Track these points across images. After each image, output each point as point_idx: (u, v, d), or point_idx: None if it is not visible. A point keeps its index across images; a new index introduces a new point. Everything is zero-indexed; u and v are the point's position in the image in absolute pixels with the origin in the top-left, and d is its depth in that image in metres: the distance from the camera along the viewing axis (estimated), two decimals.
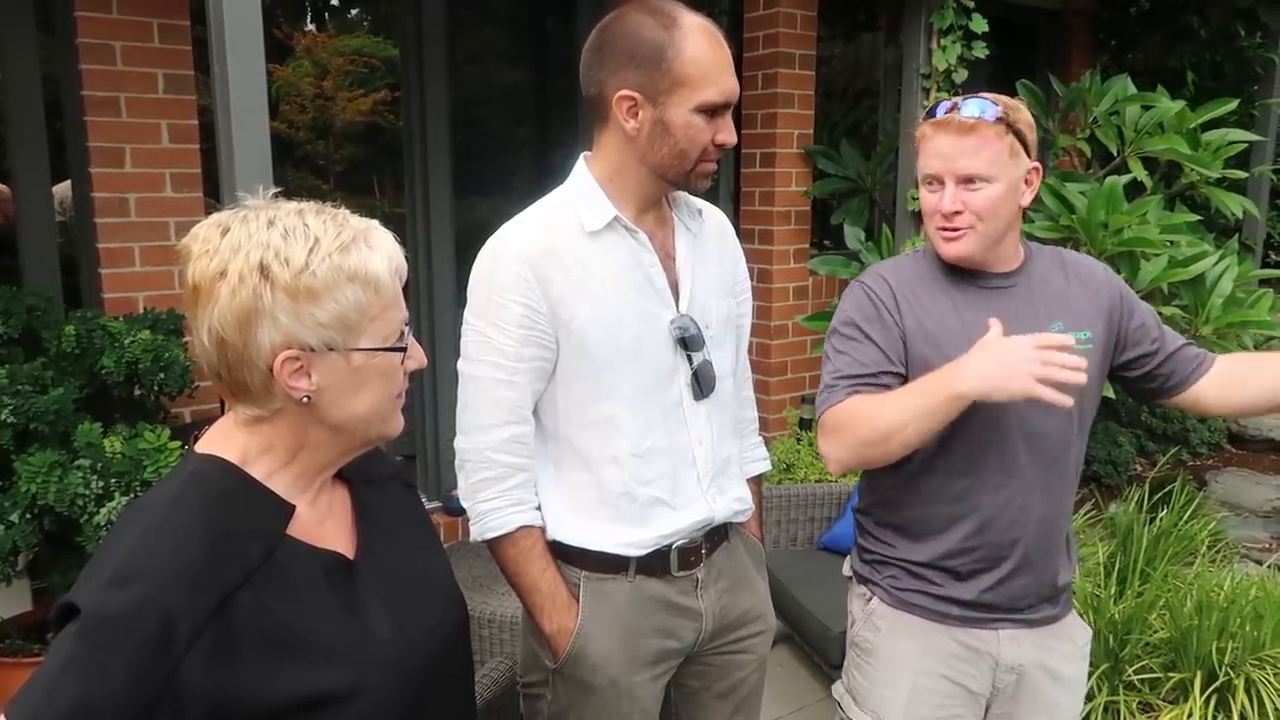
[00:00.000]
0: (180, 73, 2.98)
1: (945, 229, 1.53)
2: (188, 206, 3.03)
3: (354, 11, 5.19)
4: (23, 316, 2.55)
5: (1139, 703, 2.58)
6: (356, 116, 4.95)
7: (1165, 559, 3.04)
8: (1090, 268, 1.65)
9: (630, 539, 1.48)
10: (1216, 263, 3.54)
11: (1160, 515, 3.29)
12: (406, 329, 1.01)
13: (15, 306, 2.55)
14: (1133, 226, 3.39)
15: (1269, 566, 3.32)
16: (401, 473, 1.22)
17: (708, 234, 1.59)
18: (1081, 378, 1.33)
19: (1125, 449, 4.61)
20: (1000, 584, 1.57)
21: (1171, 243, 3.51)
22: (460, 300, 1.51)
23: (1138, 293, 3.34)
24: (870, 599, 1.67)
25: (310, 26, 4.94)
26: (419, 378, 3.65)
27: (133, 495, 2.23)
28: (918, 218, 3.72)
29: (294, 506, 0.98)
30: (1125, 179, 3.59)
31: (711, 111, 1.40)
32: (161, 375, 2.49)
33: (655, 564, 1.51)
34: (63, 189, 3.08)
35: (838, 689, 1.72)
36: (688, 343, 1.48)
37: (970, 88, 3.65)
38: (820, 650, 2.83)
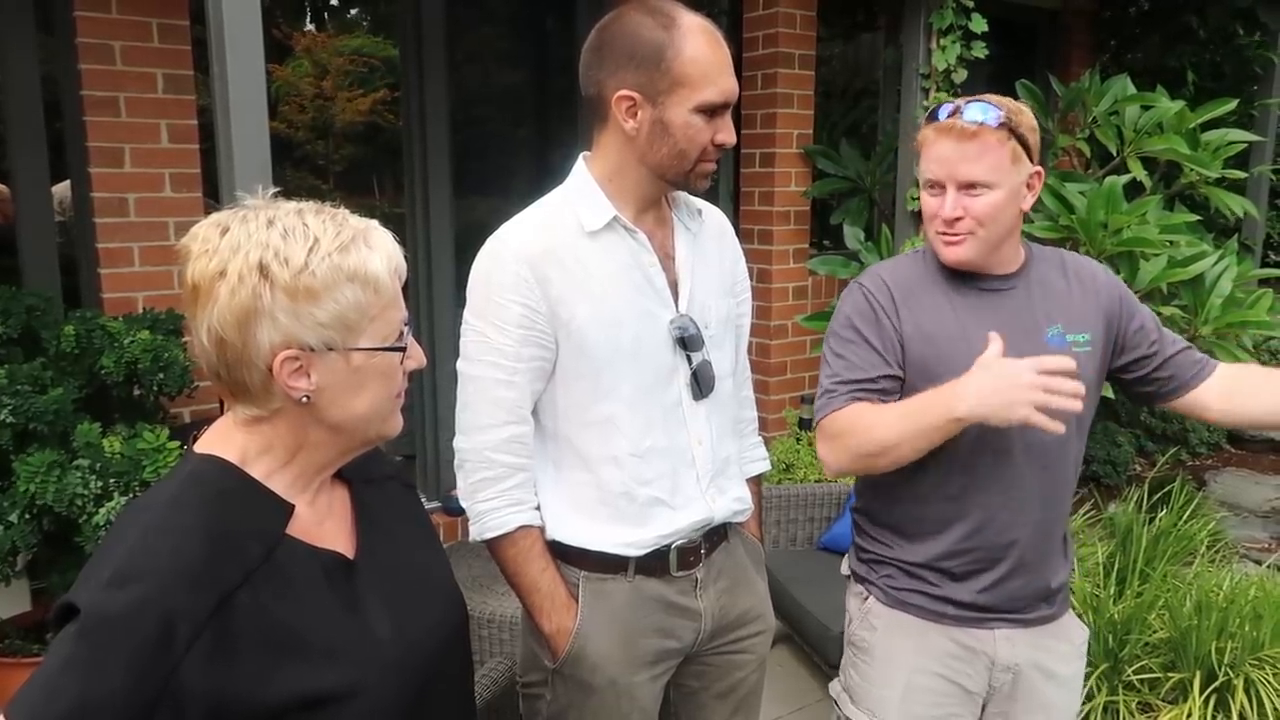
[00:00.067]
0: (179, 73, 2.98)
1: (945, 234, 1.53)
2: (187, 206, 3.03)
3: (353, 11, 5.19)
4: (22, 316, 2.55)
5: (1138, 703, 2.58)
6: (356, 116, 4.95)
7: (1164, 559, 3.04)
8: (1091, 269, 1.65)
9: (629, 539, 1.48)
10: (1216, 263, 3.54)
11: (1159, 515, 3.29)
12: (406, 329, 1.01)
13: (14, 306, 2.55)
14: (1132, 226, 3.39)
15: (1268, 566, 3.32)
16: (401, 472, 1.22)
17: (707, 234, 1.59)
18: (1078, 405, 1.33)
19: (1125, 449, 4.61)
20: (996, 585, 1.57)
21: (1171, 243, 3.51)
22: (459, 300, 1.51)
23: (1137, 293, 3.35)
24: (867, 598, 1.67)
25: (310, 26, 4.94)
26: (418, 378, 3.65)
27: (132, 495, 2.23)
28: (917, 218, 3.72)
29: (293, 506, 0.98)
30: (1125, 179, 3.59)
31: (711, 111, 1.40)
32: (161, 375, 2.49)
33: (654, 564, 1.51)
34: (62, 189, 3.08)
35: (834, 687, 1.72)
36: (687, 343, 1.48)
37: (969, 88, 3.65)
38: (820, 650, 2.83)
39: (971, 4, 3.77)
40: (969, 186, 1.48)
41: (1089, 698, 2.53)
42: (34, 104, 2.90)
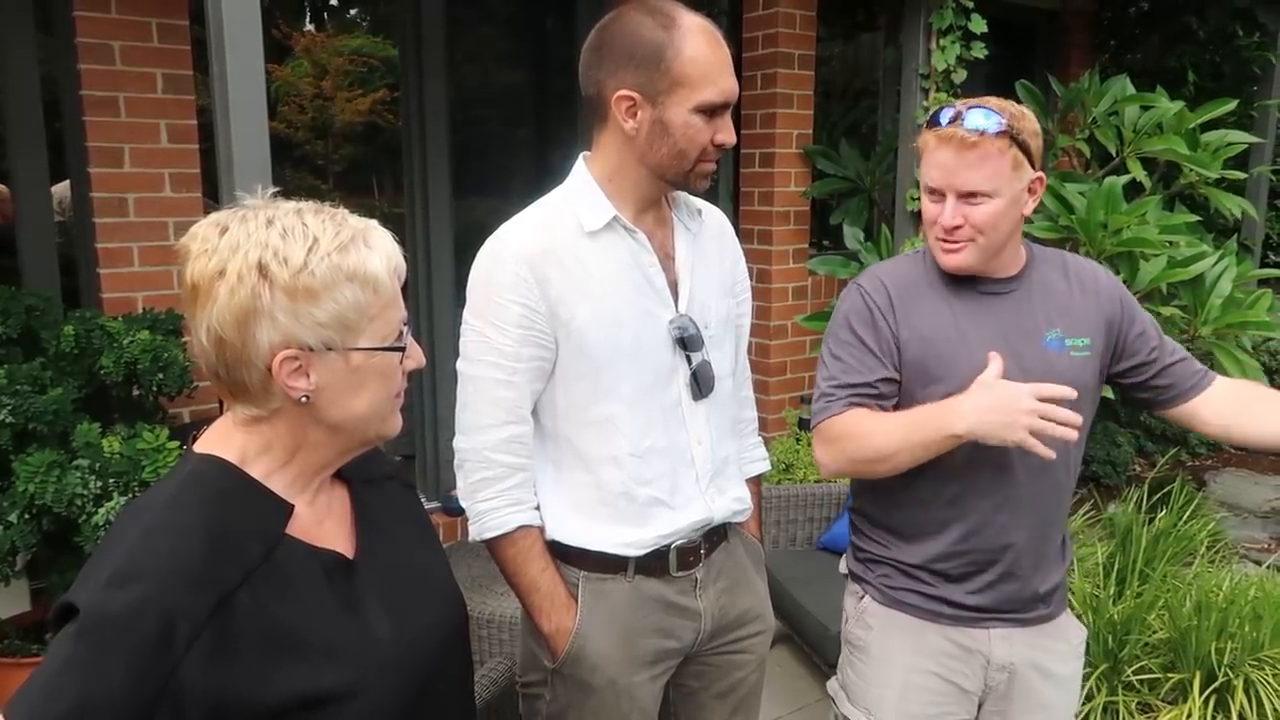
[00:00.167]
0: (179, 72, 2.98)
1: (945, 241, 1.53)
2: (187, 206, 3.03)
3: (353, 11, 5.19)
4: (21, 316, 2.55)
5: (1138, 703, 2.58)
6: (355, 116, 4.95)
7: (1164, 559, 3.04)
8: (1093, 272, 1.65)
9: (629, 539, 1.48)
10: (1215, 263, 3.54)
11: (1159, 515, 3.29)
12: (405, 329, 1.01)
13: (14, 306, 2.54)
14: (1132, 227, 3.39)
15: (1268, 567, 3.32)
16: (400, 472, 1.22)
17: (707, 234, 1.59)
18: (1073, 434, 1.35)
19: (1124, 449, 4.61)
20: (991, 587, 1.57)
21: (1170, 243, 3.51)
22: (459, 300, 1.51)
23: (1137, 293, 3.36)
24: (863, 597, 1.68)
25: (309, 26, 4.94)
26: (418, 378, 3.65)
27: (131, 495, 2.23)
28: (917, 218, 3.72)
29: (293, 506, 0.98)
30: (1124, 179, 3.59)
31: (711, 111, 1.40)
32: (160, 375, 2.49)
33: (654, 564, 1.51)
34: (61, 189, 3.08)
35: (832, 685, 1.73)
36: (687, 343, 1.48)
37: (969, 88, 3.66)
38: (819, 650, 2.83)
39: (971, 4, 3.77)
40: (969, 195, 1.48)
41: (1089, 698, 2.53)
42: (33, 104, 2.90)
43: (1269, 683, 2.49)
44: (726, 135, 1.43)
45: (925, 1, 3.79)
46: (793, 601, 2.93)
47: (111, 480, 2.24)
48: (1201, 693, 2.49)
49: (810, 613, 2.85)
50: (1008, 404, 1.35)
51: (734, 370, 1.64)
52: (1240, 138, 3.95)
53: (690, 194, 1.55)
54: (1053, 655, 1.64)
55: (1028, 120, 1.50)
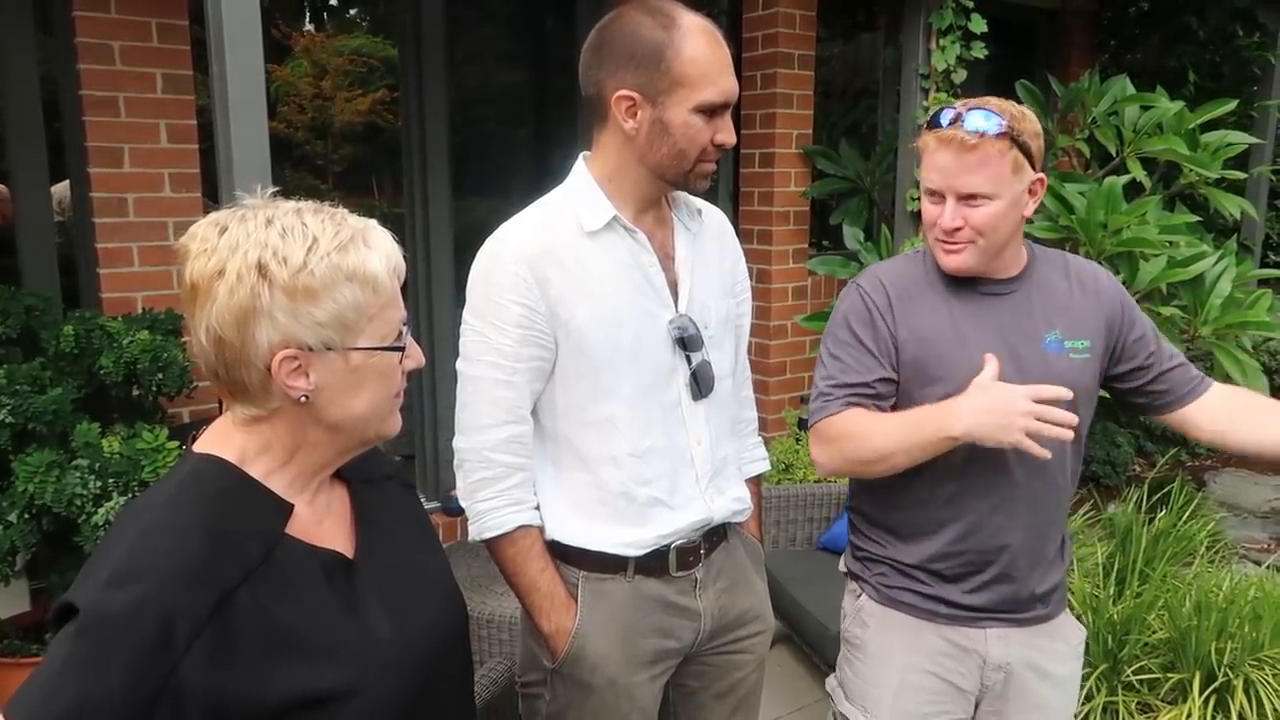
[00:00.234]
0: (179, 72, 2.98)
1: (945, 243, 1.53)
2: (186, 206, 3.03)
3: (352, 11, 5.19)
4: (21, 316, 2.55)
5: (1138, 703, 2.58)
6: (355, 116, 4.95)
7: (1164, 559, 3.04)
8: (1095, 274, 1.64)
9: (629, 539, 1.48)
10: (1215, 263, 3.54)
11: (1159, 516, 3.29)
12: (405, 328, 1.01)
13: (14, 306, 2.55)
14: (1132, 227, 3.39)
15: (1268, 567, 3.32)
16: (400, 472, 1.22)
17: (707, 234, 1.59)
18: (1069, 435, 1.36)
19: (1124, 449, 4.61)
20: (986, 587, 1.58)
21: (1170, 243, 3.51)
22: (459, 300, 1.51)
23: (1137, 293, 3.36)
24: (860, 595, 1.68)
25: (309, 26, 4.95)
26: (417, 378, 3.65)
27: (131, 495, 2.23)
28: (917, 218, 3.72)
29: (292, 506, 0.98)
30: (1124, 179, 3.59)
31: (711, 111, 1.39)
32: (160, 375, 2.49)
33: (654, 564, 1.50)
34: (61, 189, 3.08)
35: (830, 682, 1.74)
36: (686, 343, 1.48)
37: (969, 88, 3.66)
38: (819, 650, 2.83)
39: (971, 4, 3.77)
40: (969, 197, 1.48)
41: (1088, 698, 2.53)
42: (33, 104, 2.89)
43: (1269, 683, 2.49)
44: (726, 135, 1.43)
45: (925, 1, 3.79)
46: (792, 601, 2.94)
47: (111, 480, 2.24)
48: (1201, 693, 2.49)
49: (810, 613, 2.85)
50: (1004, 406, 1.36)
51: (734, 370, 1.64)
52: (1240, 138, 3.95)
53: (690, 194, 1.55)
54: (1050, 655, 1.64)
55: (1028, 121, 1.49)
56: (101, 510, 2.21)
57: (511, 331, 1.41)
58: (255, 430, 0.97)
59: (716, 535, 1.59)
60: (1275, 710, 2.44)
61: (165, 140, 2.98)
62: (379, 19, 4.99)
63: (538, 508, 1.49)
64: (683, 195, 1.55)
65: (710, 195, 1.63)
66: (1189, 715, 2.45)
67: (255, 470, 0.97)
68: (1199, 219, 3.89)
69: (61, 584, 2.38)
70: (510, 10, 4.40)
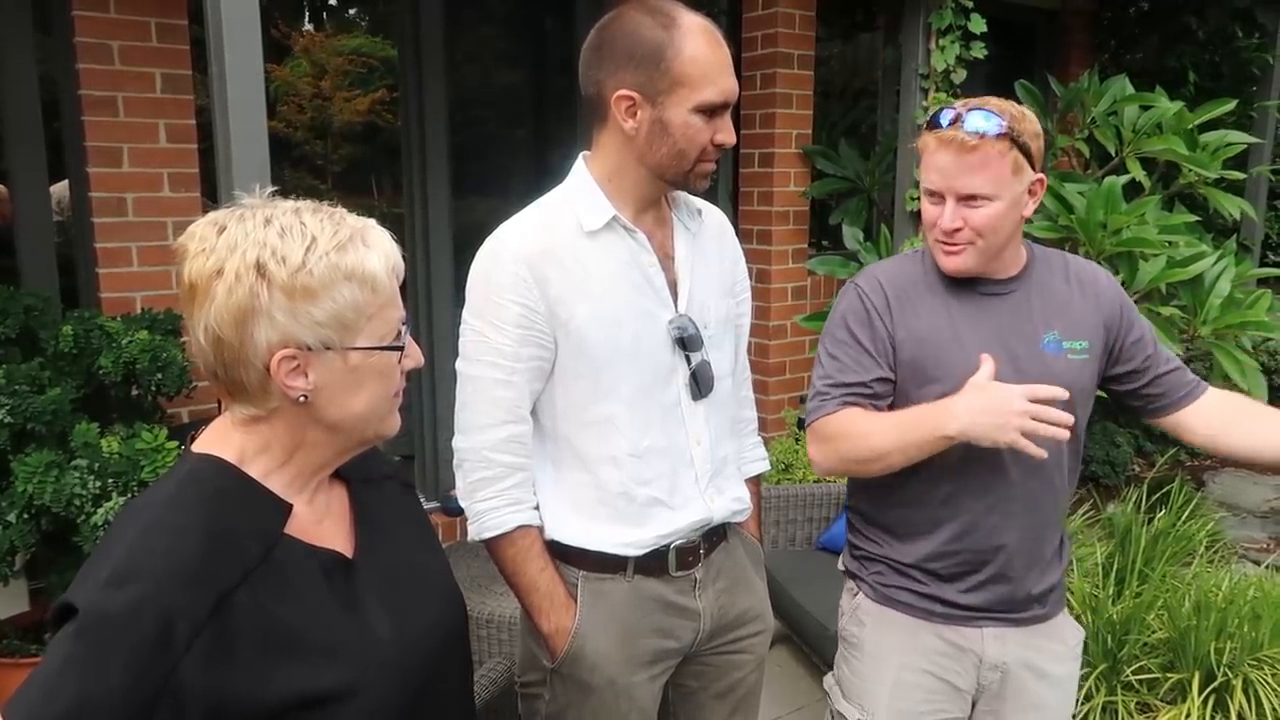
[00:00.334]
0: (178, 72, 2.98)
1: (945, 244, 1.53)
2: (185, 206, 3.02)
3: (352, 11, 5.19)
4: (20, 316, 2.55)
5: (1137, 703, 2.58)
6: (354, 116, 4.95)
7: (1163, 559, 3.04)
8: (1094, 275, 1.64)
9: (628, 539, 1.48)
10: (1215, 263, 3.54)
11: (1158, 515, 3.28)
12: (404, 328, 1.01)
13: (13, 306, 2.54)
14: (1131, 227, 3.39)
15: (1267, 567, 3.32)
16: (400, 472, 1.22)
17: (707, 233, 1.59)
18: (1065, 434, 1.36)
19: (1123, 449, 4.61)
20: (983, 586, 1.58)
21: (1170, 243, 3.52)
22: (458, 300, 1.50)
23: (1136, 293, 3.36)
24: (857, 594, 1.69)
25: (308, 26, 4.94)
26: (417, 378, 3.65)
27: (130, 495, 2.23)
28: (916, 218, 3.72)
29: (291, 505, 0.98)
30: (1124, 179, 3.59)
31: (710, 111, 1.39)
32: (159, 375, 2.49)
33: (653, 564, 1.50)
34: (60, 189, 3.08)
35: (828, 680, 1.74)
36: (686, 343, 1.48)
37: (968, 88, 3.66)
38: (818, 650, 2.83)
39: (970, 4, 3.76)
40: (969, 198, 1.48)
41: (1088, 698, 2.53)
42: (32, 104, 2.89)
43: (1268, 682, 2.49)
44: (726, 135, 1.42)
45: (925, 1, 3.79)
46: (792, 601, 2.94)
47: (110, 480, 2.24)
48: (1200, 692, 2.49)
49: (809, 613, 2.85)
50: (999, 405, 1.36)
51: (733, 370, 1.64)
52: (1239, 137, 3.95)
53: (690, 194, 1.55)
54: (1047, 655, 1.64)
55: (1028, 121, 1.49)
56: (101, 510, 2.20)
57: (511, 331, 1.41)
58: (254, 430, 0.97)
59: (716, 535, 1.59)
60: (1275, 710, 2.44)
61: (164, 140, 2.98)
62: (378, 19, 4.99)
63: (537, 507, 1.48)
64: (682, 195, 1.55)
65: (710, 195, 1.63)
66: (1188, 715, 2.45)
67: (254, 470, 0.97)
68: (1198, 219, 3.89)
69: (61, 584, 2.38)
70: (509, 10, 4.40)
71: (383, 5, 4.90)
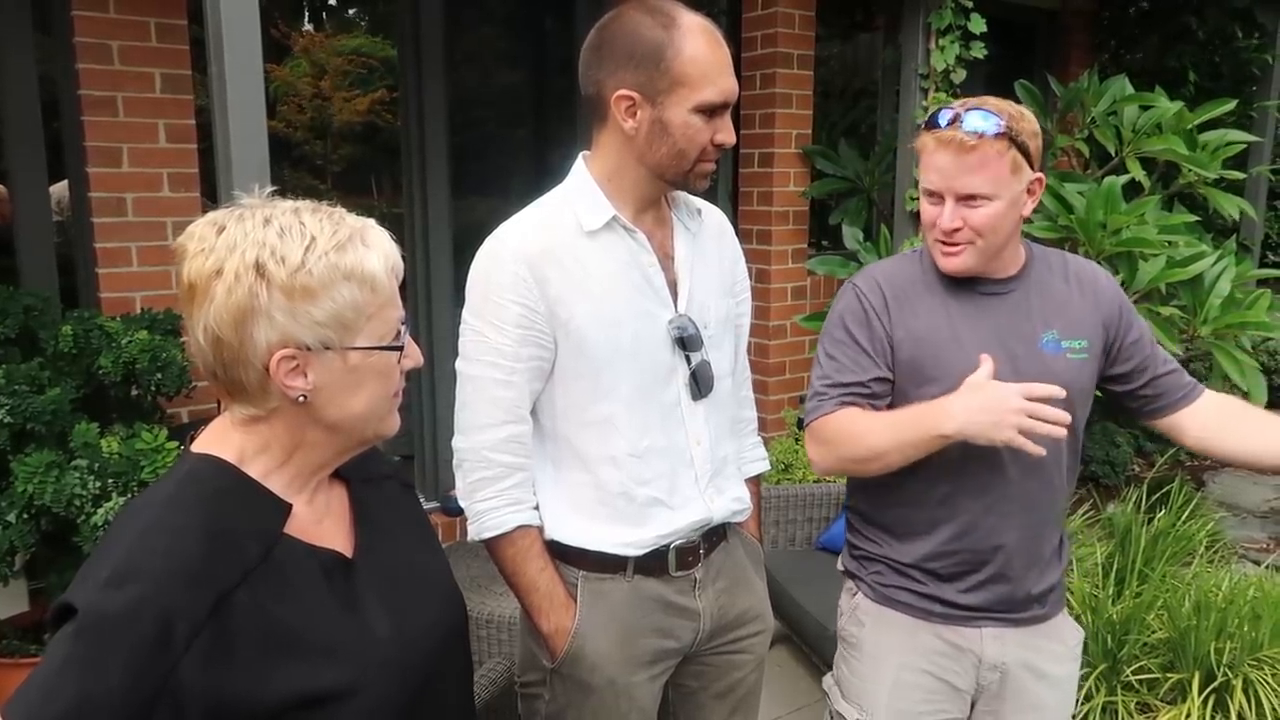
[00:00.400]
0: (178, 72, 2.98)
1: (944, 244, 1.53)
2: (185, 206, 3.02)
3: (351, 11, 5.19)
4: (20, 316, 2.55)
5: (1137, 703, 2.57)
6: (354, 116, 4.95)
7: (1163, 559, 3.04)
8: (1094, 275, 1.64)
9: (628, 539, 1.48)
10: (1215, 263, 3.54)
11: (1158, 515, 3.28)
12: (403, 328, 1.01)
13: (12, 306, 2.54)
14: (1131, 227, 3.39)
15: (1267, 567, 3.32)
16: (399, 472, 1.21)
17: (707, 233, 1.59)
18: (1062, 433, 1.36)
19: (1123, 449, 4.61)
20: (982, 586, 1.58)
21: (1170, 243, 3.51)
22: (458, 300, 1.50)
23: (1136, 293, 3.36)
24: (856, 594, 1.69)
25: (308, 26, 4.94)
26: (417, 378, 3.65)
27: (130, 496, 2.23)
28: (916, 218, 3.71)
29: (291, 505, 0.98)
30: (1123, 179, 3.59)
31: (710, 111, 1.39)
32: (159, 375, 2.49)
33: (653, 564, 1.50)
34: (60, 189, 3.08)
35: (828, 680, 1.74)
36: (686, 342, 1.48)
37: (968, 88, 3.66)
38: (818, 650, 2.83)
39: (970, 4, 3.76)
40: (968, 198, 1.48)
41: (1088, 698, 2.53)
42: (31, 104, 2.89)
43: (1268, 682, 2.49)
44: (726, 135, 1.42)
45: (925, 1, 3.79)
46: (791, 601, 2.93)
47: (110, 480, 2.24)
48: (1200, 692, 2.49)
49: (809, 613, 2.85)
50: (996, 404, 1.37)
51: (733, 370, 1.63)
52: (1240, 136, 3.95)
53: (690, 194, 1.55)
54: (1046, 656, 1.63)
55: (1026, 121, 1.49)
56: (101, 510, 2.20)
57: (511, 331, 1.41)
58: (253, 430, 0.97)
59: (716, 535, 1.59)
60: (1274, 710, 2.44)
61: (164, 140, 2.98)
62: (378, 19, 4.99)
63: (537, 507, 1.48)
64: (682, 195, 1.55)
65: (709, 195, 1.63)
66: (1188, 715, 2.45)
67: (254, 470, 0.97)
68: (1198, 219, 3.89)
69: (60, 584, 2.38)
70: (509, 10, 4.40)
71: (383, 5, 4.90)
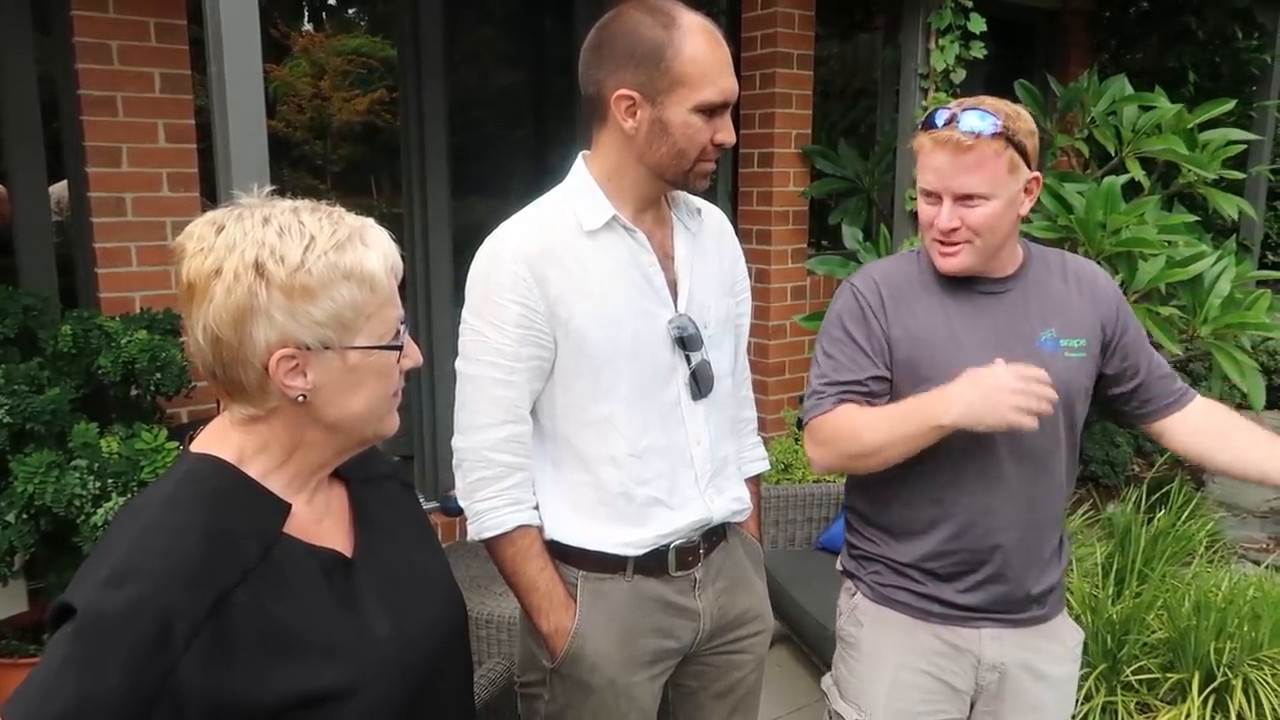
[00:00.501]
0: (177, 72, 2.98)
1: (942, 243, 1.53)
2: (184, 206, 3.02)
3: (351, 11, 5.19)
4: (19, 316, 2.55)
5: (1137, 703, 2.57)
6: (353, 116, 4.95)
7: (1163, 559, 3.04)
8: (1093, 274, 1.65)
9: (628, 539, 1.48)
10: (1214, 263, 3.54)
11: (1158, 515, 3.28)
12: (402, 327, 1.01)
13: (12, 306, 2.54)
14: (1130, 227, 3.39)
15: (1267, 567, 3.32)
16: (399, 472, 1.21)
17: (707, 233, 1.59)
18: (1049, 409, 1.37)
19: (1123, 449, 4.61)
20: (980, 586, 1.57)
21: (1169, 243, 3.51)
22: (458, 300, 1.50)
23: (1135, 293, 3.36)
24: (855, 594, 1.69)
25: (307, 26, 4.94)
26: (416, 378, 3.65)
27: (130, 496, 2.23)
28: (916, 217, 3.71)
29: (290, 505, 0.98)
30: (1123, 179, 3.58)
31: (710, 111, 1.39)
32: (158, 375, 2.49)
33: (653, 564, 1.50)
34: (59, 189, 3.08)
35: (826, 680, 1.74)
36: (686, 342, 1.48)
37: (968, 87, 3.66)
38: (818, 650, 2.83)
39: (970, 4, 3.76)
40: (965, 198, 1.48)
41: (1087, 698, 2.53)
42: (31, 103, 2.89)
43: (1268, 682, 2.49)
44: (726, 135, 1.42)
45: (924, 1, 3.79)
46: (791, 601, 2.93)
47: (110, 480, 2.24)
48: (1200, 692, 2.49)
49: (809, 613, 2.85)
50: (990, 388, 1.37)
51: (733, 370, 1.63)
52: (1240, 135, 3.95)
53: (690, 193, 1.55)
54: (1046, 657, 1.63)
55: (1023, 120, 1.49)
56: (101, 510, 2.20)
57: (510, 331, 1.41)
58: (253, 430, 0.97)
59: (716, 535, 1.59)
60: (1274, 710, 2.44)
61: (163, 140, 2.98)
62: (377, 19, 4.99)
63: (536, 507, 1.48)
64: (682, 195, 1.55)
65: (709, 195, 1.64)
66: (1188, 715, 2.45)
67: (253, 470, 0.97)
68: (1198, 219, 3.89)
69: (60, 584, 2.38)
70: (509, 10, 4.40)
71: (382, 5, 4.90)
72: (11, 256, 2.97)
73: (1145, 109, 3.91)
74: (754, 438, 1.76)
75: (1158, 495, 3.52)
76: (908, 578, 1.61)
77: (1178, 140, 3.72)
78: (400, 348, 1.00)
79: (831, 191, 4.36)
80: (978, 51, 3.82)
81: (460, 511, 1.50)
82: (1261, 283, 4.28)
